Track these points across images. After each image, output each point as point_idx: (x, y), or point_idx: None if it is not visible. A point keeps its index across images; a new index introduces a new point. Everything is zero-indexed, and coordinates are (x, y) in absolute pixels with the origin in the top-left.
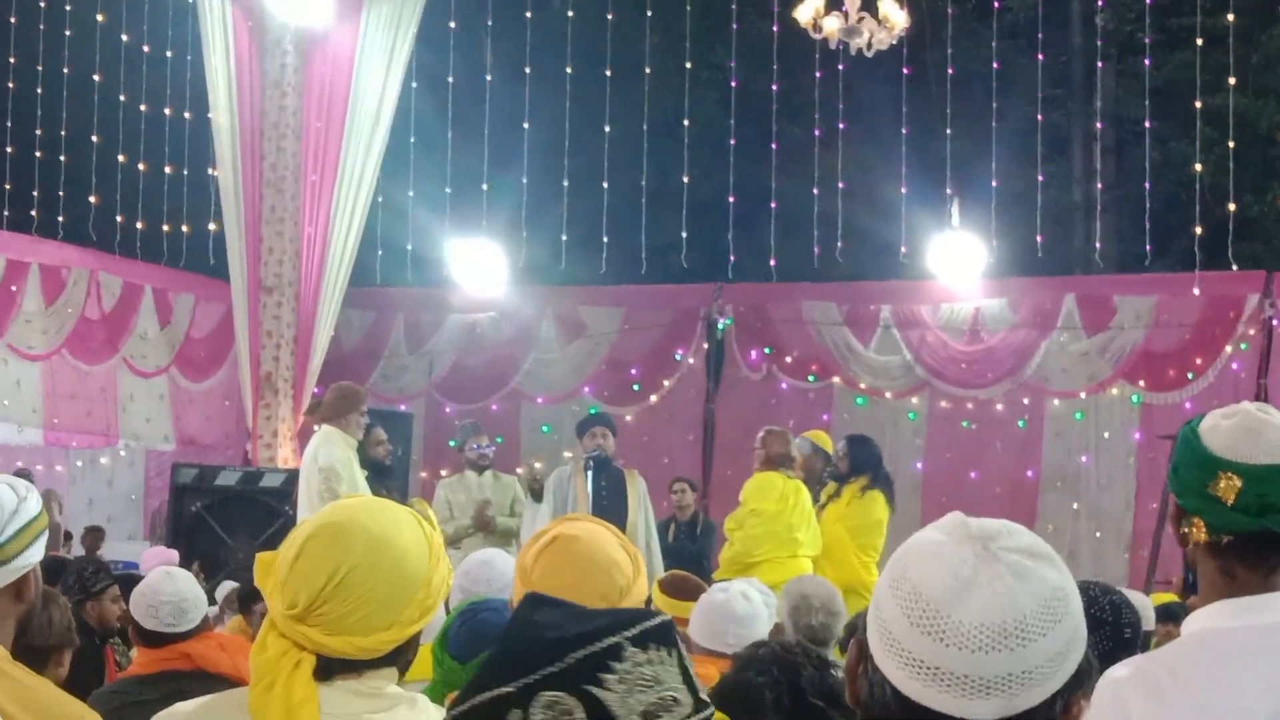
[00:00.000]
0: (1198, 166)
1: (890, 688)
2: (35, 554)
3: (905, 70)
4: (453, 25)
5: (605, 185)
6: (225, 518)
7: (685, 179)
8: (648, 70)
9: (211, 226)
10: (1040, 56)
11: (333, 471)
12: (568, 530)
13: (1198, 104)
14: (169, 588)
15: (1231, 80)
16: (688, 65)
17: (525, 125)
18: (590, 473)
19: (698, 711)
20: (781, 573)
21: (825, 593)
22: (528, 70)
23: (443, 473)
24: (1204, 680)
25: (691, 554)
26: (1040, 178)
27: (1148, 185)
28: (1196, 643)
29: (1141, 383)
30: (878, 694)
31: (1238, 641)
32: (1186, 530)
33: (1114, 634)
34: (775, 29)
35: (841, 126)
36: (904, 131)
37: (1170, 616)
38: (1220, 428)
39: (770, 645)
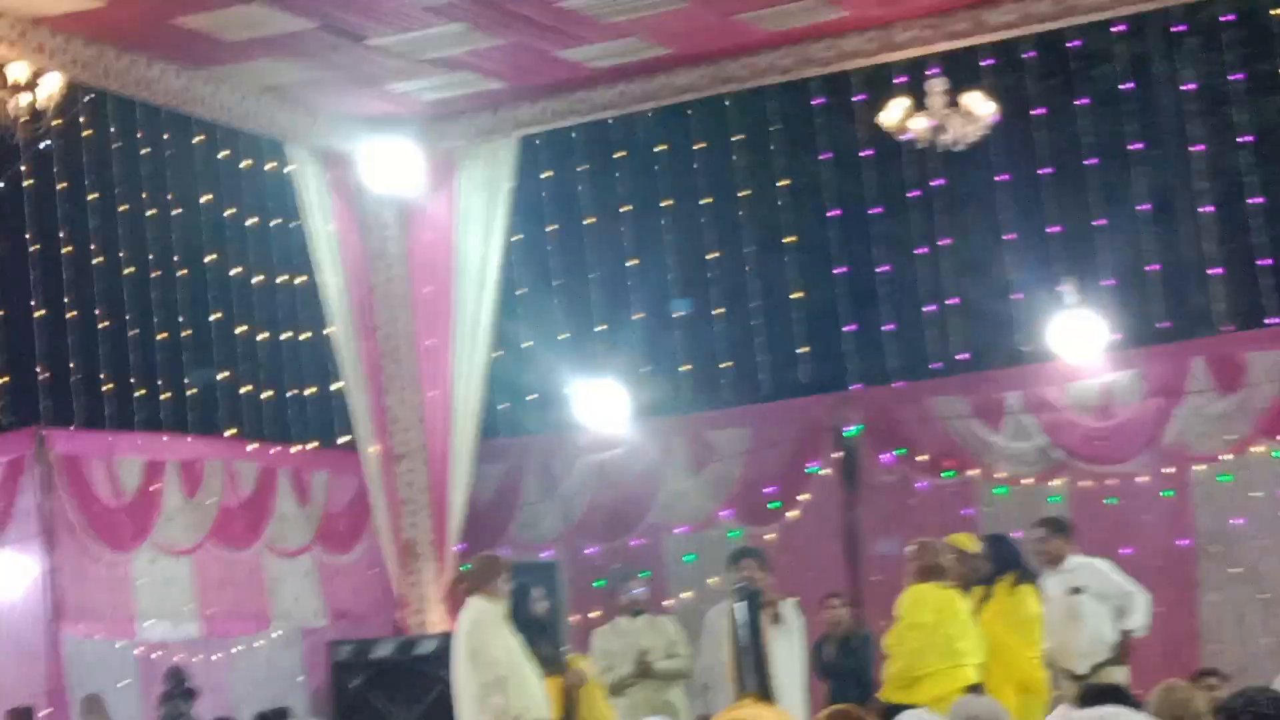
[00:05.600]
0: None
1: None
2: None
3: (999, 158)
4: (545, 194)
5: (715, 311)
6: (385, 689)
7: (793, 293)
8: (740, 192)
9: (334, 387)
10: (1132, 124)
11: (493, 659)
12: (745, 714)
13: None
14: None
15: None
16: (780, 182)
17: (628, 264)
18: (738, 606)
19: None
20: (947, 684)
21: (992, 712)
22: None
23: (591, 616)
24: None
25: (851, 670)
26: (1151, 245)
27: (1260, 237)
28: None
29: None
30: None
31: None
32: None
33: None
34: (863, 134)
35: (944, 221)
36: (1007, 218)
37: None
38: None
39: None
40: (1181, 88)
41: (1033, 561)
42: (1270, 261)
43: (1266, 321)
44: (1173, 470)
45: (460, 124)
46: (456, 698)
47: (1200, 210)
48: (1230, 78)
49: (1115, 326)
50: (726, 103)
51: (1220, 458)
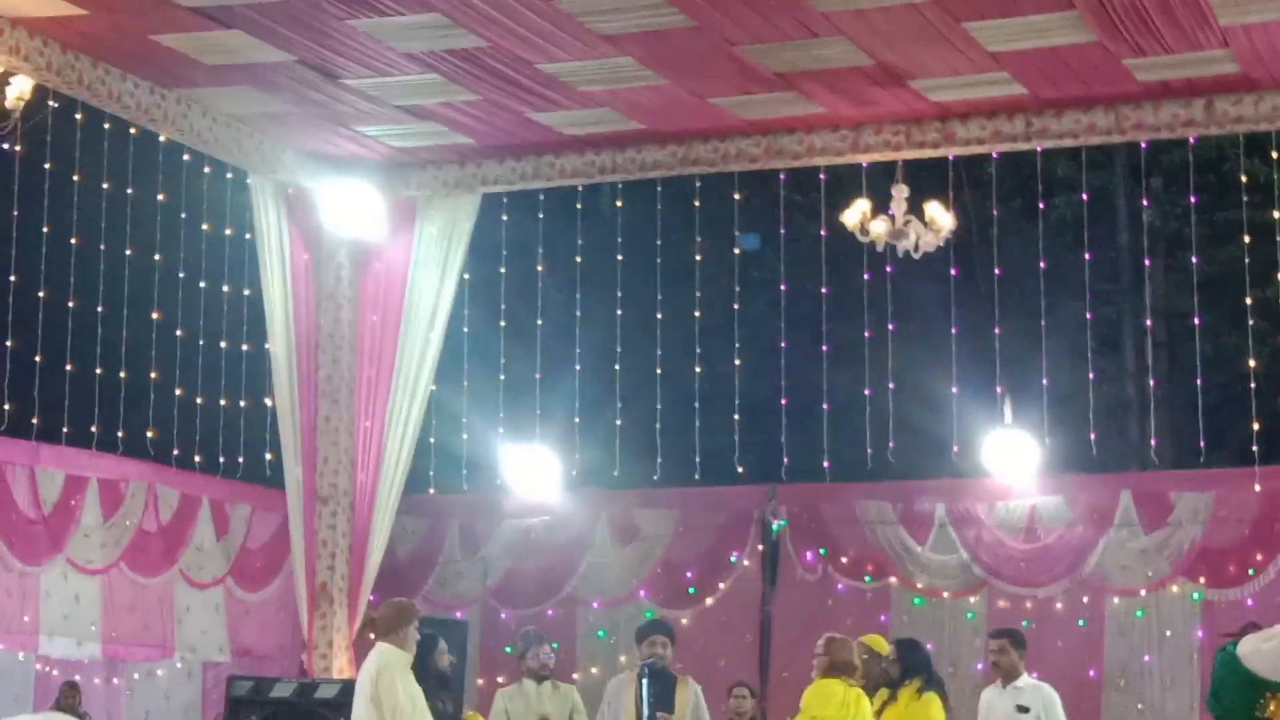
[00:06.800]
0: (1251, 362)
1: None
2: None
3: (954, 271)
4: (504, 251)
5: (658, 390)
6: None
7: (736, 382)
8: (697, 274)
9: (268, 455)
10: (1088, 254)
11: (397, 705)
12: None
13: (1248, 299)
14: None
15: None
16: (736, 269)
17: (577, 331)
18: (644, 681)
19: None
20: None
21: None
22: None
23: (499, 680)
24: None
25: None
26: (1092, 374)
27: (1200, 381)
28: None
29: (1202, 579)
30: None
31: None
32: None
33: None
34: (824, 234)
35: (892, 326)
36: (954, 331)
37: None
38: (1261, 650)
39: None
40: (1140, 223)
41: (939, 671)
42: (1205, 403)
43: (1198, 462)
44: (1089, 600)
45: (425, 174)
46: None
47: (1144, 345)
48: (1188, 219)
49: (1048, 450)
50: (698, 182)
51: (1138, 593)
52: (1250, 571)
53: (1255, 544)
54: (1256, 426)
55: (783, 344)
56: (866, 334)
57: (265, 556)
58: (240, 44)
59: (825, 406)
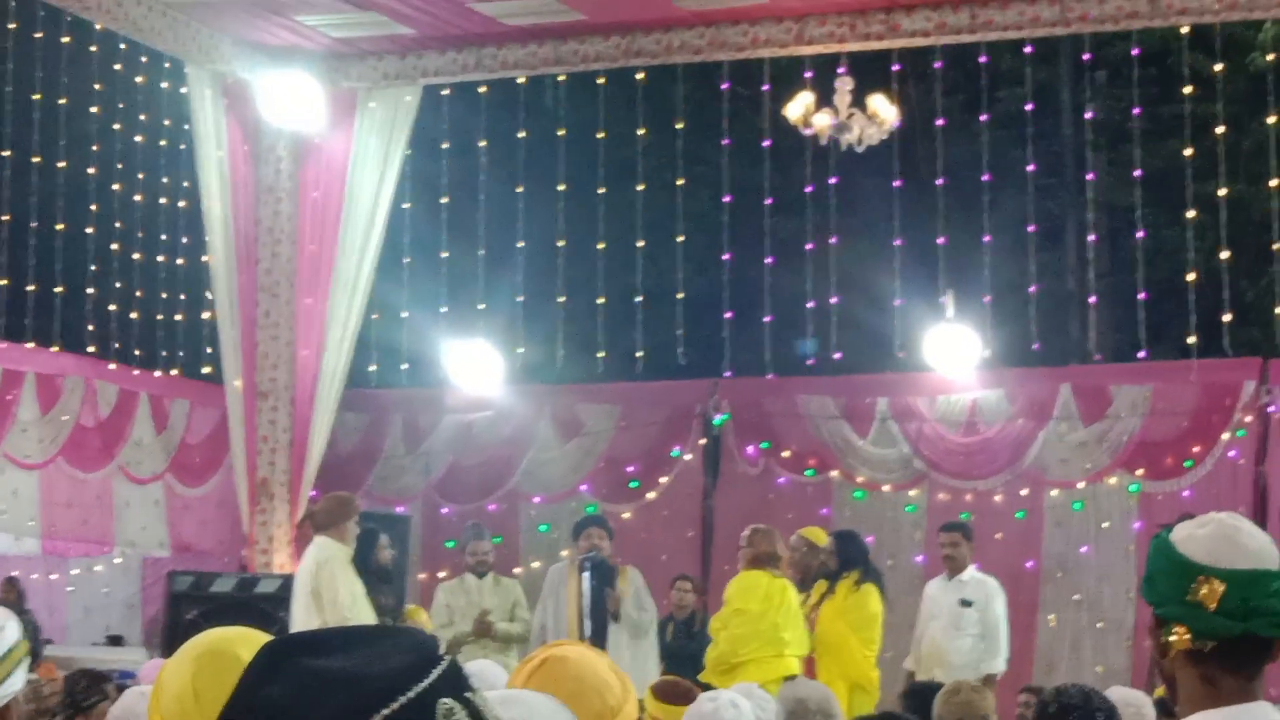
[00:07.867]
0: (1190, 256)
1: None
2: (16, 682)
3: (897, 165)
4: (445, 144)
5: (600, 285)
6: (221, 625)
7: (679, 276)
8: (640, 168)
9: (206, 316)
10: (1031, 147)
11: (336, 599)
12: (557, 653)
13: (1189, 193)
14: (145, 707)
15: (1221, 168)
16: (679, 162)
17: (519, 225)
18: (585, 574)
19: None
20: (767, 672)
21: (821, 696)
22: (521, 170)
23: (441, 575)
24: None
25: (690, 653)
26: (1034, 268)
27: (1141, 274)
28: None
29: (1139, 472)
30: None
31: None
32: (1167, 639)
33: (1084, 717)
34: (767, 126)
35: (835, 221)
36: (897, 224)
37: (1169, 711)
38: (1196, 536)
39: None
40: (1083, 118)
41: (879, 564)
42: (1145, 297)
43: (1137, 356)
44: (1028, 493)
45: (365, 65)
46: None
47: (1086, 240)
48: (1131, 114)
49: (989, 344)
50: (638, 76)
51: (1076, 485)
52: (1187, 464)
53: (1192, 436)
54: (1194, 320)
55: (725, 238)
56: (809, 229)
57: (205, 452)
58: None
59: (768, 301)
